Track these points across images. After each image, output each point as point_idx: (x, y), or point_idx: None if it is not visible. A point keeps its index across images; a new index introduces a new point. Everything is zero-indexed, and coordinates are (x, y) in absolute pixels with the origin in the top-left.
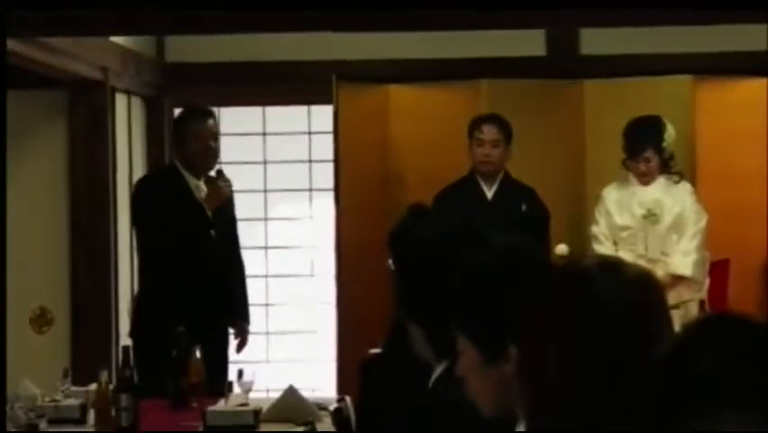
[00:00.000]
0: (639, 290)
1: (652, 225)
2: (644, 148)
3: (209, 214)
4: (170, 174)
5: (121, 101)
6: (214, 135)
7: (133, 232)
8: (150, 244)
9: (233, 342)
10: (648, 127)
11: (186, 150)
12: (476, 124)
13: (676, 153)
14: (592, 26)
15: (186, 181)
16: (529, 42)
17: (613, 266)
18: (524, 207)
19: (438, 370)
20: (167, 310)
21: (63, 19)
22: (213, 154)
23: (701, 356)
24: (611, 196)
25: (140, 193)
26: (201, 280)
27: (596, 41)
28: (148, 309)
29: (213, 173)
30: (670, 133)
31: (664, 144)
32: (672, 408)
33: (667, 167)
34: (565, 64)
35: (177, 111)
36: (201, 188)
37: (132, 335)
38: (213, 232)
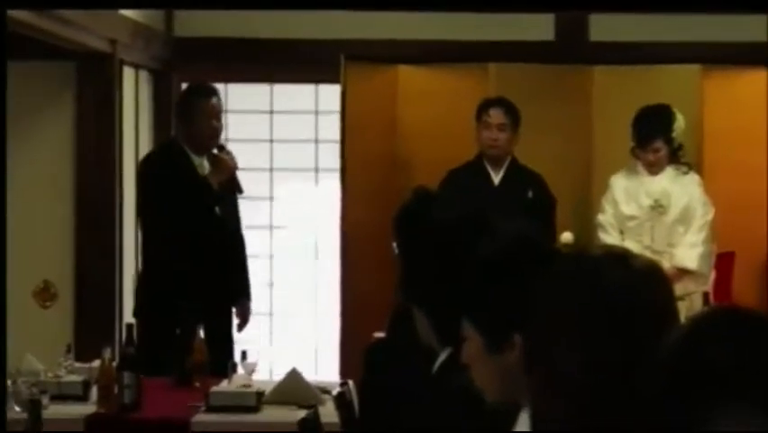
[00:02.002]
0: (647, 283)
1: (659, 216)
2: (654, 138)
3: (215, 188)
4: (174, 151)
5: (129, 74)
6: (218, 114)
7: (138, 207)
8: (155, 222)
9: (235, 321)
10: (658, 117)
11: (189, 128)
12: (484, 107)
13: (684, 143)
14: (602, 11)
15: (190, 158)
16: (538, 27)
17: (620, 257)
18: (530, 194)
19: (442, 356)
20: (171, 289)
21: None
22: (215, 133)
23: (708, 350)
24: (619, 184)
25: (146, 170)
26: (205, 258)
27: (605, 27)
28: (152, 287)
29: (215, 150)
30: (679, 123)
31: (674, 134)
32: (679, 400)
33: (676, 157)
34: (574, 50)
35: (184, 86)
36: (204, 166)
37: (135, 313)
38: (217, 209)
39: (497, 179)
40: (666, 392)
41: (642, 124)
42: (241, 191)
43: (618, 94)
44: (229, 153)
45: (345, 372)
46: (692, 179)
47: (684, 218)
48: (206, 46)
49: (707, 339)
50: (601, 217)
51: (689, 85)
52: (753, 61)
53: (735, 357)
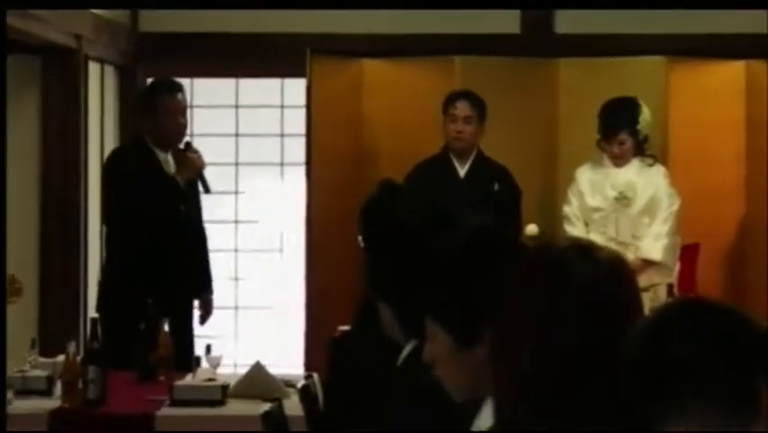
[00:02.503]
0: (611, 275)
1: (624, 208)
2: (619, 130)
3: (182, 186)
4: (139, 147)
5: (94, 69)
6: (183, 110)
7: (103, 203)
8: (119, 217)
9: (197, 314)
10: (623, 109)
11: (154, 124)
12: (450, 100)
13: (649, 134)
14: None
15: (155, 155)
16: (504, 20)
17: (585, 250)
18: (496, 186)
19: (407, 349)
20: (134, 283)
21: None
22: (181, 129)
23: (672, 342)
24: (584, 176)
25: (111, 165)
26: (170, 254)
27: (571, 19)
28: (116, 282)
29: (181, 145)
30: (645, 115)
31: (639, 127)
32: (643, 392)
33: (641, 149)
34: (540, 42)
35: (150, 81)
36: (169, 162)
37: (99, 307)
38: (183, 206)
39: (462, 171)
40: (631, 384)
41: (607, 117)
42: (208, 190)
43: (584, 86)
44: (197, 152)
45: (310, 365)
46: (658, 171)
47: (649, 210)
48: (172, 41)
49: (672, 332)
50: (567, 209)
51: (654, 76)
52: (717, 53)
53: (699, 350)
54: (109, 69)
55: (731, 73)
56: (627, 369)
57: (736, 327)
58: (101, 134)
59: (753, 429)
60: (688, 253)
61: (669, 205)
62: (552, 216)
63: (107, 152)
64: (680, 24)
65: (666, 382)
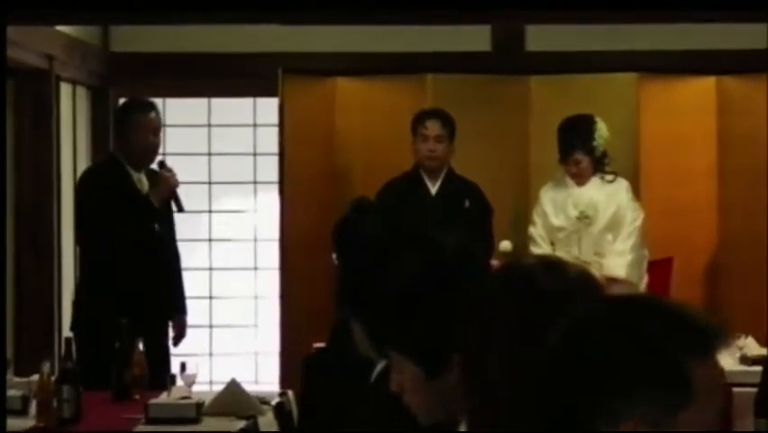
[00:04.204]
0: (580, 290)
1: (586, 227)
2: (573, 150)
3: (156, 206)
4: (113, 166)
5: (66, 90)
6: (156, 129)
7: (77, 222)
8: (92, 237)
9: (171, 335)
10: (577, 128)
11: (127, 143)
12: (420, 119)
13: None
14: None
15: (128, 174)
16: (475, 38)
17: (554, 265)
18: (467, 203)
19: (379, 366)
20: (108, 303)
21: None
22: (154, 148)
23: (590, 341)
24: (547, 196)
25: (84, 185)
26: (143, 273)
27: (541, 37)
28: (89, 302)
29: (154, 165)
30: (601, 132)
31: (595, 144)
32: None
33: (601, 165)
34: (511, 60)
35: (122, 101)
36: (143, 182)
37: (73, 326)
38: (157, 225)
39: (434, 189)
40: (561, 393)
41: (562, 137)
42: (182, 209)
43: (555, 103)
44: (170, 171)
45: (285, 382)
46: (620, 186)
47: (612, 226)
48: (143, 61)
49: (589, 333)
50: (532, 230)
51: (625, 93)
52: (688, 69)
53: (619, 345)
54: (81, 90)
55: (702, 89)
56: (552, 376)
57: (650, 313)
58: (74, 155)
59: (691, 407)
60: (660, 268)
61: (632, 220)
62: (524, 232)
63: (80, 171)
64: (650, 41)
65: (591, 382)
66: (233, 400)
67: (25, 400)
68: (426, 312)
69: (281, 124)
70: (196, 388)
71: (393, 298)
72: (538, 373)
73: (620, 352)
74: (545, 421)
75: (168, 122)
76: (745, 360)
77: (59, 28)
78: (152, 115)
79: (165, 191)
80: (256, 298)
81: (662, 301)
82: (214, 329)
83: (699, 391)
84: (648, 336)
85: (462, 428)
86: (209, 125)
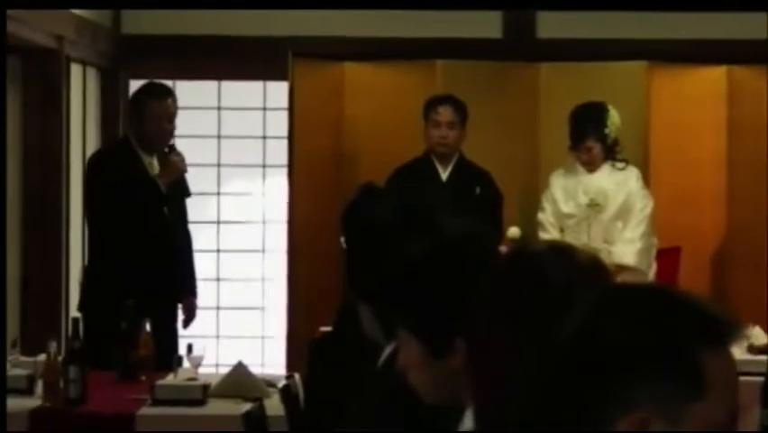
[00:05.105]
0: (590, 276)
1: (596, 214)
2: (585, 137)
3: (163, 190)
4: (124, 149)
5: (76, 71)
6: (172, 116)
7: (86, 204)
8: (102, 219)
9: (181, 317)
10: (589, 116)
11: (141, 128)
12: (432, 105)
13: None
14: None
15: (139, 157)
16: (486, 24)
17: (562, 251)
18: (478, 190)
19: (387, 350)
20: (117, 284)
21: None
22: (168, 135)
23: (604, 330)
24: (558, 183)
25: (94, 167)
26: (152, 255)
27: (552, 24)
28: (98, 282)
29: (166, 150)
30: (613, 120)
31: (607, 131)
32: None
33: (612, 153)
34: (521, 47)
35: (132, 83)
36: (154, 165)
37: (81, 307)
38: (166, 208)
39: (444, 175)
40: (573, 382)
41: (574, 124)
42: (188, 194)
43: (565, 90)
44: (180, 155)
45: (292, 365)
46: (630, 174)
47: (622, 214)
48: (154, 43)
49: (602, 322)
50: (541, 216)
51: (635, 81)
52: (699, 58)
53: (634, 334)
54: (91, 71)
55: (712, 78)
56: (564, 364)
57: (666, 302)
58: (83, 135)
59: (705, 399)
60: (668, 257)
61: (642, 208)
62: (533, 219)
63: (89, 153)
64: (661, 29)
65: (605, 371)
66: (240, 382)
67: (31, 380)
68: (432, 294)
69: (291, 108)
70: (202, 370)
71: (400, 279)
72: (547, 359)
73: (634, 340)
74: (554, 409)
75: (177, 104)
76: (752, 349)
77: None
78: (169, 101)
79: (172, 175)
80: (263, 280)
81: (676, 291)
82: (221, 311)
83: (712, 382)
84: (663, 325)
85: (468, 413)
86: (219, 108)
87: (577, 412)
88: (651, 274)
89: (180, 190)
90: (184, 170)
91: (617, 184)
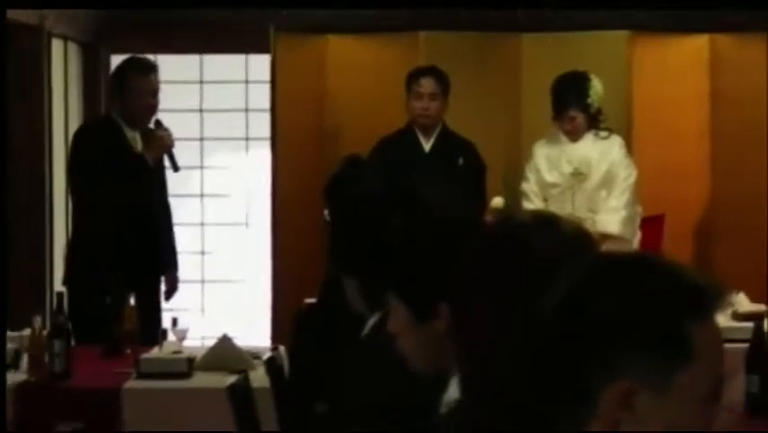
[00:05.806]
0: (575, 246)
1: (580, 184)
2: (569, 106)
3: (151, 165)
4: (108, 125)
5: (57, 46)
6: (155, 91)
7: (70, 178)
8: (86, 193)
9: (163, 289)
10: (572, 85)
11: (125, 103)
12: (414, 76)
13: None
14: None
15: (123, 132)
16: None
17: (547, 221)
18: (461, 161)
19: (371, 321)
20: (100, 258)
21: None
22: (152, 110)
23: (589, 300)
24: (541, 152)
25: (78, 141)
26: (135, 230)
27: None
28: (82, 256)
29: (151, 124)
30: (596, 89)
31: (590, 101)
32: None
33: (596, 122)
34: (503, 17)
35: (114, 58)
36: (137, 140)
37: (65, 281)
38: (149, 182)
39: (427, 146)
40: (558, 352)
41: (556, 94)
42: (177, 169)
43: (547, 61)
44: (166, 130)
45: (276, 337)
46: (614, 143)
47: (606, 183)
48: (135, 17)
49: (588, 292)
50: (525, 186)
51: (617, 51)
52: (681, 27)
53: (619, 304)
54: (72, 46)
55: (695, 47)
56: (550, 335)
57: (652, 273)
58: (65, 112)
59: (691, 369)
60: (652, 225)
61: (626, 177)
62: (516, 190)
63: (72, 128)
64: None
65: (591, 341)
66: (225, 355)
67: (17, 355)
68: (416, 263)
69: (273, 82)
70: (187, 343)
71: (386, 247)
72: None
73: (621, 311)
74: (540, 379)
75: (160, 78)
76: (736, 316)
77: None
78: (152, 76)
79: (160, 150)
80: (247, 253)
81: (661, 261)
82: (205, 284)
83: (698, 352)
84: (648, 294)
85: (454, 381)
86: (201, 82)
87: (563, 383)
88: (635, 242)
89: (161, 164)
90: (171, 145)
91: (601, 153)
